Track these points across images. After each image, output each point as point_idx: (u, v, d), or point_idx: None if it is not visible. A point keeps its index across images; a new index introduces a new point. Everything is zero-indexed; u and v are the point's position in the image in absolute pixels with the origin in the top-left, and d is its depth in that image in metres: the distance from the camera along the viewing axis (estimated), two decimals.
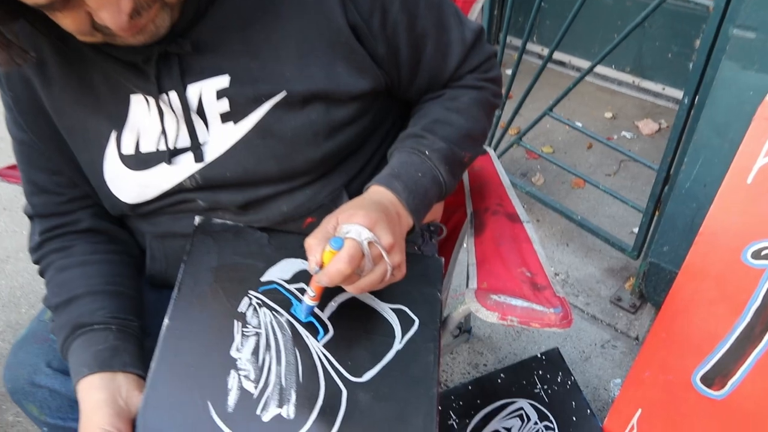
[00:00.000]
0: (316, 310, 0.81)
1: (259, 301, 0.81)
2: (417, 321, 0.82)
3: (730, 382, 1.14)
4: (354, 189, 0.89)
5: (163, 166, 0.82)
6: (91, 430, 0.71)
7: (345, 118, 0.82)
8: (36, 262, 0.91)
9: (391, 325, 0.81)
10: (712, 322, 1.17)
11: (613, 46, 1.75)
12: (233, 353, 0.77)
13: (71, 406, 0.84)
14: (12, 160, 0.93)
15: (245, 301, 0.81)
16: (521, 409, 1.38)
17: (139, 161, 0.83)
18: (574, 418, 1.35)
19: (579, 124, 2.05)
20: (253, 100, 0.79)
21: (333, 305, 0.82)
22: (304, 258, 0.84)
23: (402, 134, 0.88)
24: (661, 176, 1.63)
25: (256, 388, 0.75)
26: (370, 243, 0.69)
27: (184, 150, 0.82)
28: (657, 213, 1.70)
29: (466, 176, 1.17)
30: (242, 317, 0.80)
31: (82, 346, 0.79)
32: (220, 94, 0.79)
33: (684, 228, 1.40)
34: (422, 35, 0.84)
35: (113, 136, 0.82)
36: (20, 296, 1.96)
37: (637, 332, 1.78)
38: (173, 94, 0.78)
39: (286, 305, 0.81)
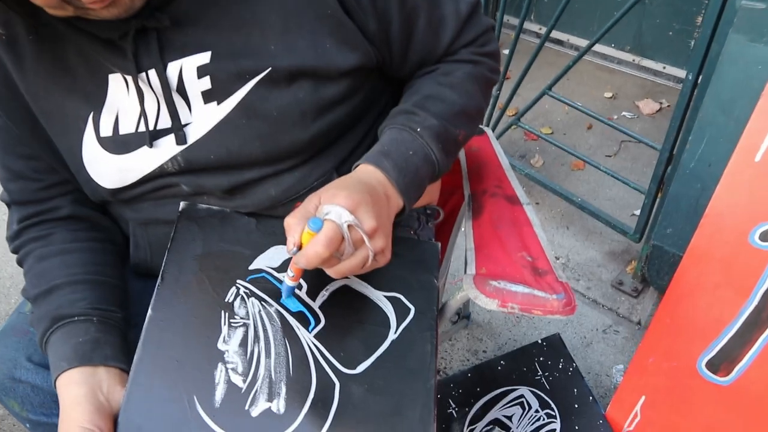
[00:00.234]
0: (307, 300, 0.78)
1: (247, 291, 0.78)
2: (413, 309, 0.79)
3: (736, 368, 1.12)
4: (345, 172, 0.85)
5: (144, 149, 0.79)
6: (70, 429, 0.68)
7: (334, 97, 0.79)
8: (14, 252, 0.88)
9: (386, 313, 0.78)
10: (717, 307, 1.14)
11: (612, 23, 1.72)
12: (220, 345, 0.75)
13: (55, 402, 0.81)
14: None
15: (232, 290, 0.78)
16: (522, 396, 1.36)
17: (118, 144, 0.79)
18: (576, 406, 1.32)
19: (579, 104, 2.01)
20: (236, 77, 0.75)
21: (324, 294, 0.79)
22: None
23: (393, 111, 0.84)
24: (663, 156, 1.59)
25: (244, 381, 0.72)
26: (350, 226, 0.66)
27: (165, 132, 0.79)
28: (660, 194, 1.67)
29: (463, 157, 1.13)
30: (229, 307, 0.77)
31: (62, 339, 0.77)
32: (202, 72, 0.75)
33: (688, 209, 1.36)
34: (414, 8, 0.80)
35: (90, 118, 0.79)
36: (10, 287, 1.93)
37: (640, 317, 1.76)
38: (152, 73, 0.75)
39: (276, 295, 0.78)
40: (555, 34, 3.07)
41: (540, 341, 1.43)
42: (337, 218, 0.65)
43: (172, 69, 0.75)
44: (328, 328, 0.77)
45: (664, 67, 2.86)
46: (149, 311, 0.76)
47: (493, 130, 2.23)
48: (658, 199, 1.68)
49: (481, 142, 1.19)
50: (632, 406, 1.28)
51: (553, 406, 1.34)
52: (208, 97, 0.77)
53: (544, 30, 1.96)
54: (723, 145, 1.23)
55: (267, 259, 0.81)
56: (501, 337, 1.72)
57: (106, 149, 0.80)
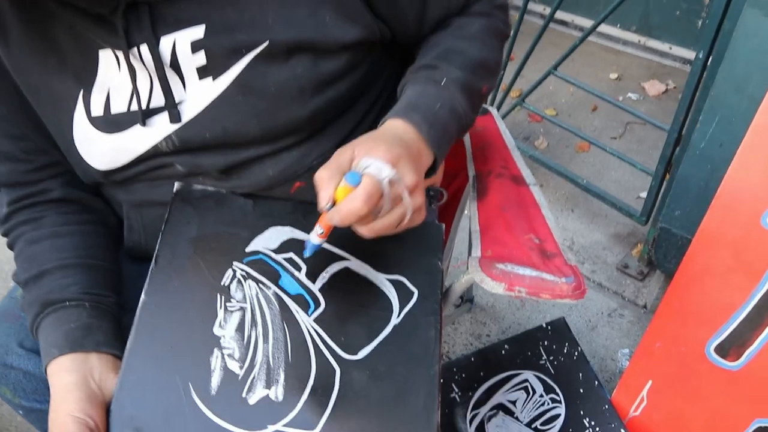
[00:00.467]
0: (306, 282, 0.76)
1: (244, 273, 0.76)
2: (416, 293, 0.76)
3: (746, 353, 1.10)
4: None
5: (137, 128, 0.77)
6: (59, 419, 0.66)
7: (334, 72, 0.76)
8: (5, 235, 0.85)
9: (388, 297, 0.76)
10: (727, 291, 1.11)
11: (617, 3, 1.69)
12: (216, 330, 0.72)
13: (48, 388, 0.78)
14: None
15: (229, 273, 0.76)
16: (526, 381, 1.34)
17: (109, 123, 0.77)
18: (582, 390, 1.31)
19: (584, 84, 1.97)
20: (232, 52, 0.73)
21: (324, 276, 0.77)
22: (293, 225, 0.80)
23: (412, 67, 0.81)
24: (672, 137, 1.56)
25: (241, 368, 0.70)
26: (390, 181, 0.62)
27: (158, 110, 0.76)
28: (667, 176, 1.64)
29: (467, 138, 1.10)
30: (226, 291, 0.75)
31: (53, 325, 0.74)
32: (196, 46, 0.72)
33: (697, 191, 1.34)
34: None
35: (81, 96, 0.76)
36: (8, 270, 1.91)
37: (645, 300, 1.73)
38: (144, 48, 0.72)
39: (274, 277, 0.76)
40: (559, 14, 3.00)
41: (545, 325, 1.41)
42: (377, 172, 0.62)
43: (165, 44, 0.72)
44: (328, 311, 0.74)
45: (671, 48, 2.82)
46: (142, 296, 0.74)
47: (498, 111, 2.20)
48: (665, 181, 1.65)
49: (486, 122, 1.15)
50: (638, 391, 1.26)
51: (558, 390, 1.32)
52: (203, 72, 0.74)
53: (548, 11, 1.92)
54: (735, 124, 1.20)
55: (265, 241, 0.79)
56: (505, 321, 1.70)
57: (97, 129, 0.77)
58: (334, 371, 0.71)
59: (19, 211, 0.83)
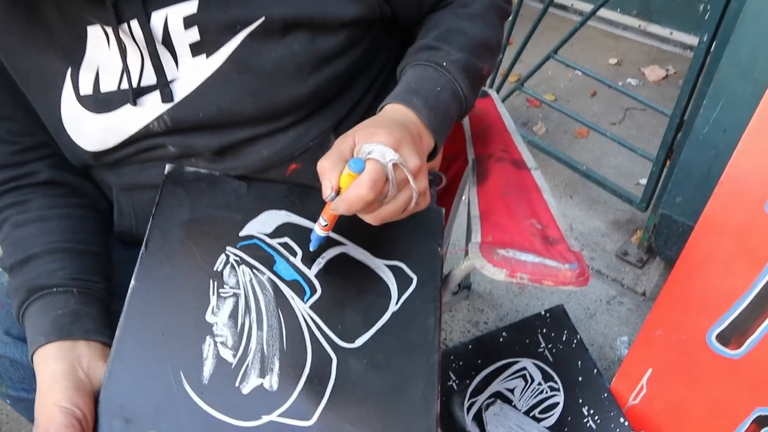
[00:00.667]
0: (302, 268, 0.74)
1: (238, 258, 0.74)
2: (415, 279, 0.75)
3: (748, 341, 1.08)
4: (343, 132, 0.80)
5: (127, 107, 0.74)
6: (46, 409, 0.64)
7: (332, 49, 0.74)
8: None
9: (387, 283, 0.74)
10: (730, 278, 1.10)
11: None
12: (208, 317, 0.70)
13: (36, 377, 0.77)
14: None
15: (222, 258, 0.74)
16: (524, 369, 1.32)
17: (99, 102, 0.74)
18: (580, 379, 1.29)
19: (584, 68, 1.95)
20: (226, 28, 0.70)
21: (321, 261, 0.75)
22: (288, 209, 0.78)
23: (412, 47, 0.80)
24: (674, 122, 1.54)
25: (234, 356, 0.68)
26: (394, 165, 0.61)
27: (150, 89, 0.74)
28: (668, 162, 1.62)
29: (466, 120, 1.08)
30: (218, 276, 0.72)
31: (39, 312, 0.72)
32: (189, 22, 0.70)
33: (700, 177, 1.32)
34: None
35: (69, 74, 0.74)
36: None
37: (644, 287, 1.72)
38: (135, 24, 0.69)
39: (268, 262, 0.74)
40: None
41: (543, 312, 1.40)
42: (381, 157, 0.60)
43: (157, 19, 0.69)
44: (324, 298, 0.72)
45: (672, 33, 2.80)
46: (132, 281, 0.71)
47: None
48: (666, 167, 1.63)
49: (486, 105, 1.13)
50: (638, 380, 1.25)
51: (556, 378, 1.31)
52: (196, 49, 0.71)
53: None
54: (740, 109, 1.18)
55: (259, 225, 0.76)
56: (502, 308, 1.68)
57: (86, 108, 0.75)
58: (331, 360, 0.69)
59: (5, 194, 0.80)
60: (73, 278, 0.74)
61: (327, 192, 0.61)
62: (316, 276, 0.74)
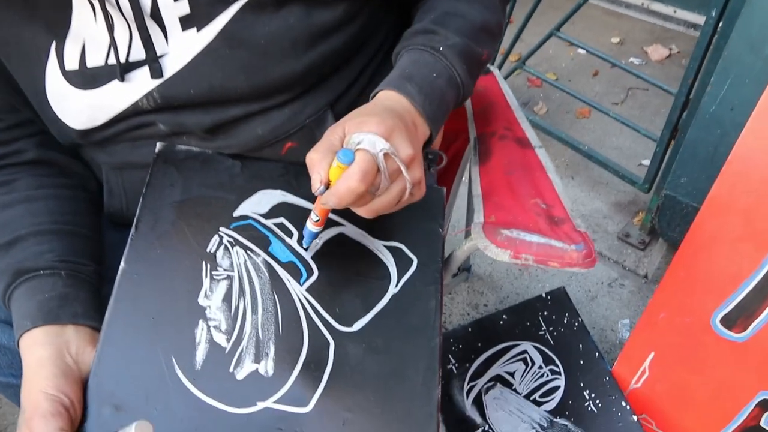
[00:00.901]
0: (299, 249, 0.71)
1: (231, 239, 0.71)
2: (415, 260, 0.72)
3: (753, 324, 1.07)
4: (340, 109, 0.78)
5: (115, 83, 0.71)
6: (31, 397, 0.61)
7: (329, 23, 0.71)
8: None
9: (386, 265, 0.72)
10: (736, 260, 1.08)
11: None
12: (201, 300, 0.68)
13: None
14: None
15: (215, 239, 0.71)
16: (525, 352, 1.31)
17: (86, 78, 0.71)
18: (582, 362, 1.27)
19: (587, 46, 1.91)
20: (218, 0, 0.67)
21: (318, 243, 0.72)
22: (283, 189, 0.75)
23: (408, 31, 0.77)
24: (679, 101, 1.51)
25: (228, 341, 0.66)
26: (386, 155, 0.59)
27: (138, 64, 0.71)
28: (673, 142, 1.59)
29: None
30: (211, 258, 0.70)
31: (26, 295, 0.69)
32: None
33: (705, 157, 1.29)
34: None
35: (53, 48, 0.70)
36: None
37: (646, 270, 1.70)
38: None
39: (263, 243, 0.71)
40: None
41: (544, 295, 1.38)
42: (371, 147, 0.58)
43: None
44: (321, 280, 0.70)
45: (675, 11, 2.75)
46: (122, 263, 0.69)
47: None
48: (670, 147, 1.60)
49: (488, 82, 1.10)
50: (640, 363, 1.23)
51: (557, 362, 1.29)
52: (186, 23, 0.68)
53: None
54: (749, 86, 1.15)
55: (253, 205, 0.74)
56: (503, 291, 1.66)
57: (72, 84, 0.72)
58: (328, 344, 0.67)
59: None
60: (61, 260, 0.72)
61: (316, 185, 0.59)
62: (313, 257, 0.71)
